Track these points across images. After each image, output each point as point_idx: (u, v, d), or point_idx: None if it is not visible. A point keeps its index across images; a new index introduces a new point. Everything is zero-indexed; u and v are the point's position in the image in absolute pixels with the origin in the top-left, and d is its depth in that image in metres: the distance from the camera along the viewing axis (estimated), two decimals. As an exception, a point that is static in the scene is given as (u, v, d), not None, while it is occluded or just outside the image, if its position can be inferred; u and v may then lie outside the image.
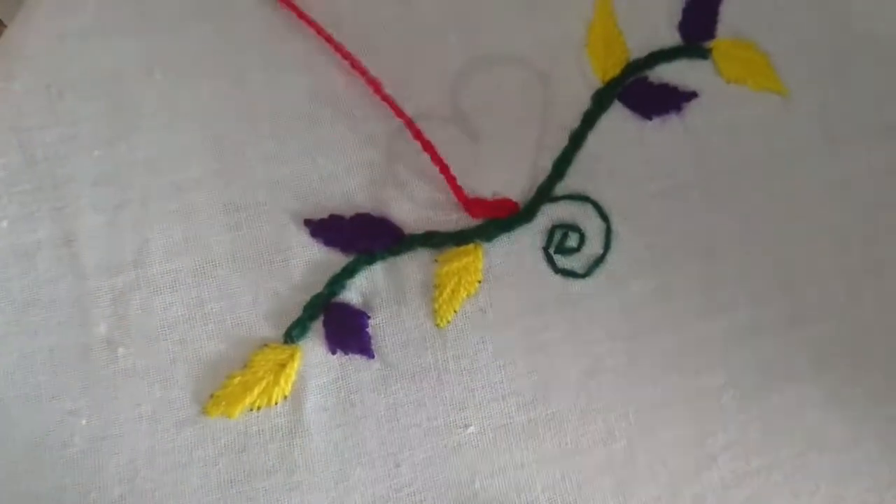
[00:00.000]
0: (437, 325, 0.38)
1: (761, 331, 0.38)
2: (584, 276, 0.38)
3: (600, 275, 0.38)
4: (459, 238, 0.38)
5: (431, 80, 0.40)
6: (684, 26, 0.41)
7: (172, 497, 0.36)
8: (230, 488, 0.36)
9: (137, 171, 0.39)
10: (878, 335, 0.38)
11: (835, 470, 0.37)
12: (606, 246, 0.39)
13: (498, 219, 0.39)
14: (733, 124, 0.40)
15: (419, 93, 0.40)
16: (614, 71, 0.40)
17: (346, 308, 0.38)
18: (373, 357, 0.38)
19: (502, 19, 0.41)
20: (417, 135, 0.38)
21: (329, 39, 0.40)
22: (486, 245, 0.38)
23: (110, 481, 0.36)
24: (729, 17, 0.41)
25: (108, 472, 0.36)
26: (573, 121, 0.39)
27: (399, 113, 0.39)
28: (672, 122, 0.40)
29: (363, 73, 0.39)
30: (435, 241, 0.38)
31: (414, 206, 0.39)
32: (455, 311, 0.38)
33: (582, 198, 0.39)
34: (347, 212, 0.39)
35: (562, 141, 0.39)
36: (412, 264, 0.38)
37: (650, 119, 0.40)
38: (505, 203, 0.39)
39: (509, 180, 0.39)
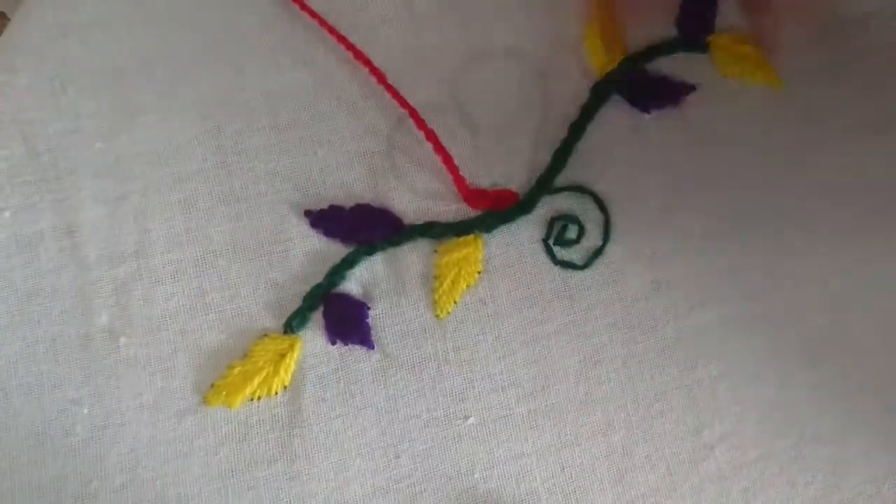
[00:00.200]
0: (437, 316, 0.38)
1: (757, 323, 0.38)
2: (583, 267, 0.38)
3: (599, 266, 0.39)
4: (459, 229, 0.38)
5: (431, 72, 0.40)
6: (682, 20, 0.41)
7: (173, 486, 0.36)
8: (231, 477, 0.37)
9: (139, 162, 0.39)
10: (872, 326, 0.38)
11: (831, 461, 0.37)
12: (605, 238, 0.39)
13: (498, 210, 0.39)
14: (731, 117, 0.40)
15: (419, 85, 0.40)
16: (613, 64, 0.40)
17: (346, 298, 0.38)
18: (372, 348, 0.38)
19: (502, 12, 0.41)
20: (421, 124, 0.39)
21: (332, 30, 0.40)
22: (485, 236, 0.39)
23: (112, 470, 0.37)
24: (727, 12, 0.41)
25: (110, 461, 0.37)
26: (572, 113, 0.40)
27: (403, 103, 0.39)
28: (670, 114, 0.40)
29: (367, 63, 0.39)
30: (435, 231, 0.38)
31: (414, 197, 0.39)
32: (455, 302, 0.38)
33: (581, 189, 0.39)
34: (347, 202, 0.39)
35: (561, 133, 0.39)
36: (412, 255, 0.39)
37: (648, 112, 0.40)
38: (505, 194, 0.39)
39: (509, 172, 0.39)
